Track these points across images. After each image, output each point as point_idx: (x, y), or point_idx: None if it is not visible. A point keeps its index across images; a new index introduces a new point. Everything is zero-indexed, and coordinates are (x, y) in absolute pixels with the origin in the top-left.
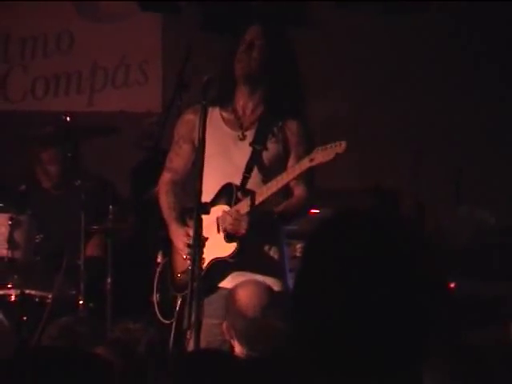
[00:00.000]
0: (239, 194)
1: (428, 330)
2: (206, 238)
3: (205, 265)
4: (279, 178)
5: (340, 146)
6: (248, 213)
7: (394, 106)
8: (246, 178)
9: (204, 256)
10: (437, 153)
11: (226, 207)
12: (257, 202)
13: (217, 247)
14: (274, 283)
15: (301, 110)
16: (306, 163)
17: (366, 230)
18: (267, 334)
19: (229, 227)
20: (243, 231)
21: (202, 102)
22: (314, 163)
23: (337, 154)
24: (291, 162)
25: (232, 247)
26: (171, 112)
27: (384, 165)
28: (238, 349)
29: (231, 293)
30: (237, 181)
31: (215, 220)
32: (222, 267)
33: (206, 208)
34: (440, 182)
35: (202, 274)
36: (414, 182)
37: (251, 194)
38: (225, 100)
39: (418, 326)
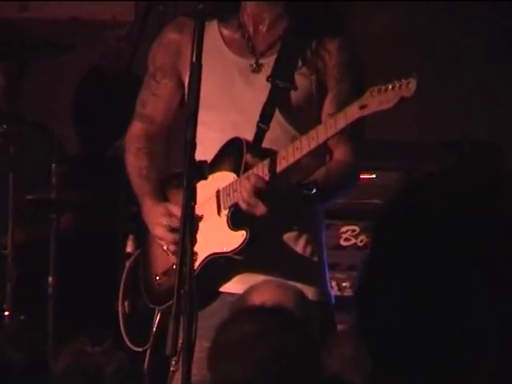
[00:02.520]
0: (251, 154)
1: None
2: (200, 218)
3: (197, 263)
4: (313, 133)
5: (407, 87)
6: (266, 183)
7: (490, 20)
8: (261, 131)
9: (196, 250)
10: None
11: (231, 175)
12: (279, 169)
13: (216, 237)
14: (306, 289)
15: (345, 24)
16: (354, 111)
17: (474, 201)
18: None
19: (242, 205)
20: (261, 211)
21: (198, 6)
22: (366, 112)
23: (402, 100)
24: (328, 106)
25: (239, 237)
26: (148, 21)
27: (473, 107)
28: None
29: (241, 300)
30: (248, 135)
31: (214, 195)
32: (223, 265)
33: (202, 170)
34: None
35: (194, 275)
36: None
37: (270, 155)
38: (225, 9)
39: None
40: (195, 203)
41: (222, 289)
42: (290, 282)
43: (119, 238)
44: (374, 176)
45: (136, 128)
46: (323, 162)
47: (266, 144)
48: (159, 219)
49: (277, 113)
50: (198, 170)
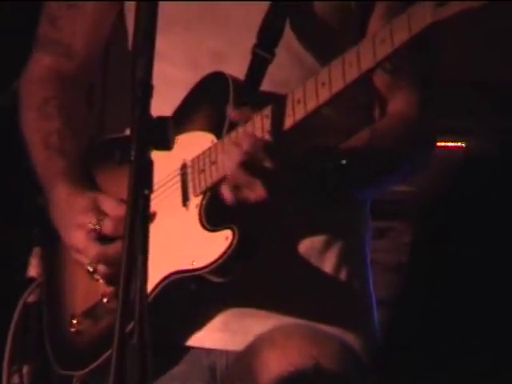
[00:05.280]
0: (241, 100)
1: None
2: (152, 216)
3: (149, 290)
4: (351, 55)
5: None
6: (268, 148)
7: None
8: (260, 62)
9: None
10: None
11: (207, 137)
12: (291, 123)
13: (179, 244)
14: (344, 334)
15: None
16: (423, 13)
17: None
18: None
19: (226, 187)
20: (259, 195)
21: None
22: (445, 14)
23: None
24: (377, 23)
25: (220, 243)
26: None
27: None
28: None
29: (248, 362)
30: (237, 69)
31: (177, 173)
32: (194, 295)
33: (164, 134)
34: None
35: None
36: None
37: (275, 101)
38: None
39: None
40: (151, 191)
41: (191, 341)
42: (322, 328)
43: (16, 253)
44: (461, 145)
45: (41, 64)
46: (368, 120)
47: (267, 85)
48: (80, 219)
49: (287, 32)
50: (156, 133)
